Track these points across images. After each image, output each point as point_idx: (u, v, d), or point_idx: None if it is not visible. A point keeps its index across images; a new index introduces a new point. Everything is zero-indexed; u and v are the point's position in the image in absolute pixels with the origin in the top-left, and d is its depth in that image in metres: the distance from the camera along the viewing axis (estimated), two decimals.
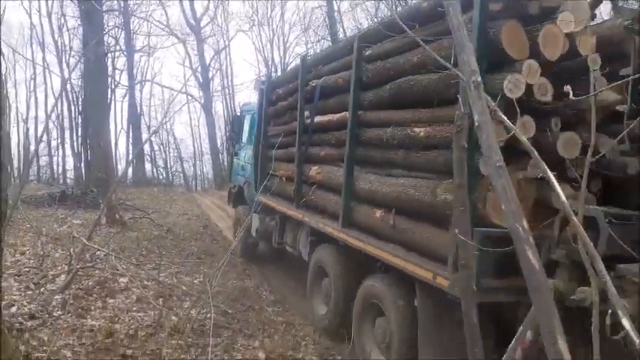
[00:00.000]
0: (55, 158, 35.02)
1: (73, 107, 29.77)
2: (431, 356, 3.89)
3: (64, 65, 27.40)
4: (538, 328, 2.68)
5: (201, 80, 30.64)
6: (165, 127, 38.47)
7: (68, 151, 32.29)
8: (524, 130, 3.22)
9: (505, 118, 2.82)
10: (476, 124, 2.65)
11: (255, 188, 8.74)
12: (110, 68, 27.38)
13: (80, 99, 28.03)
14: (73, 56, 28.11)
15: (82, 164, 25.86)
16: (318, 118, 6.56)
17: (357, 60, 5.30)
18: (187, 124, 43.92)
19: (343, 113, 5.70)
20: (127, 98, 33.90)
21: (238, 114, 12.56)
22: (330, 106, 6.27)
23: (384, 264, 4.54)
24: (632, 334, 2.14)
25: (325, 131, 6.37)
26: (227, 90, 37.77)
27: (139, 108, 35.13)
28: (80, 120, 27.97)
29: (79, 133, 28.45)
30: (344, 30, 25.14)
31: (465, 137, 3.38)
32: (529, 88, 3.35)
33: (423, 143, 4.21)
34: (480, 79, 2.67)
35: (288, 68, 9.00)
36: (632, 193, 3.45)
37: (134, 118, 32.93)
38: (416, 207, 4.19)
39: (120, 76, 32.54)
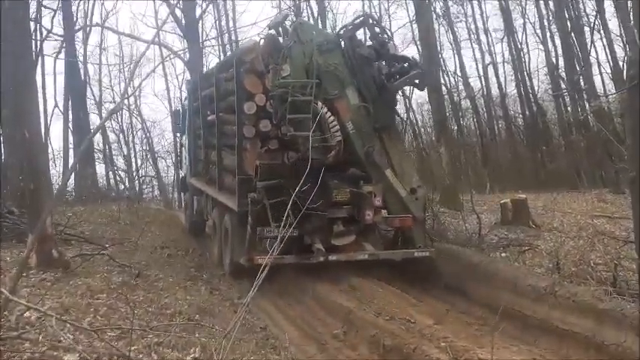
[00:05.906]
0: None
1: None
2: (234, 246, 8.01)
3: None
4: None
5: (184, 22, 19.05)
6: (128, 102, 25.67)
7: None
8: (264, 125, 7.79)
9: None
10: None
11: (190, 173, 11.80)
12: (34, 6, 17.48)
13: None
14: None
15: None
16: (209, 117, 9.95)
17: (216, 81, 9.23)
18: (164, 97, 28.35)
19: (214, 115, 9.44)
20: (62, 55, 21.58)
21: (179, 108, 14.08)
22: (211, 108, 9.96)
23: (229, 207, 8.32)
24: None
25: (212, 126, 9.65)
26: (230, 35, 24.40)
27: (82, 73, 22.75)
28: None
29: None
30: None
31: None
32: (263, 106, 7.71)
33: (233, 134, 8.32)
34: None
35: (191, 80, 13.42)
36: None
37: (76, 90, 21.44)
38: (233, 171, 8.28)
39: (52, 22, 20.39)
